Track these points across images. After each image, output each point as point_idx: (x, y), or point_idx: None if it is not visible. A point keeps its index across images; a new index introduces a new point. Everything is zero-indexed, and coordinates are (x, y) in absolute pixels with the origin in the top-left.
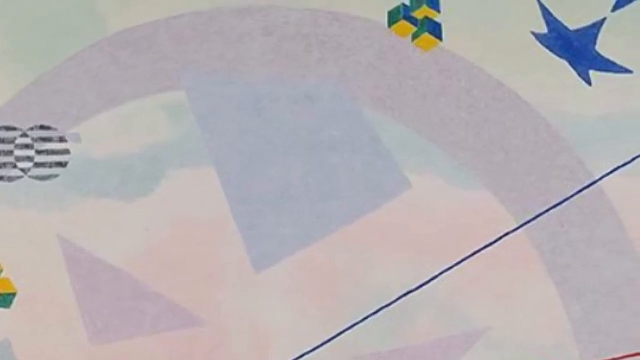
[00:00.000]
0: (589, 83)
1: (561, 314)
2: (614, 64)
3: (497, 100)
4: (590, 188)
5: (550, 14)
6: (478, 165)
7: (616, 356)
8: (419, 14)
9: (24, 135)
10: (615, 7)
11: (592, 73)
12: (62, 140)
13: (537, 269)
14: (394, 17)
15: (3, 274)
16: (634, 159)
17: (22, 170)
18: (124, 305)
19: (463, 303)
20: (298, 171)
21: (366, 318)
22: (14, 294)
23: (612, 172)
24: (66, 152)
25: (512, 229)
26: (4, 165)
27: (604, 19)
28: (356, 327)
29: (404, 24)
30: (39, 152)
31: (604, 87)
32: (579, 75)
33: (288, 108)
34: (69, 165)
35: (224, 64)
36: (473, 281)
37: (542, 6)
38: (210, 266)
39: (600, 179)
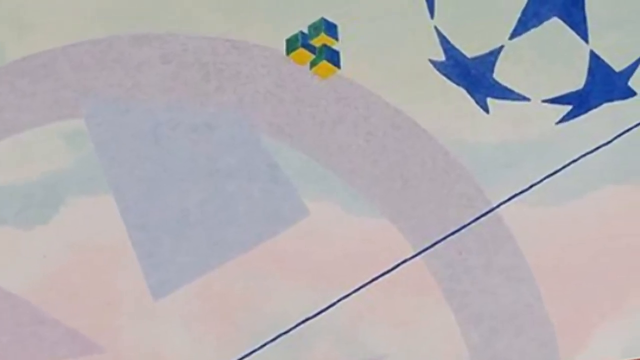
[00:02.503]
0: (487, 111)
1: (459, 341)
2: (511, 91)
3: (395, 128)
4: (488, 215)
5: (448, 42)
6: (376, 192)
7: None
8: (317, 42)
9: None
10: (513, 35)
11: (489, 101)
12: None
13: (435, 296)
14: (292, 45)
15: None
16: (531, 186)
17: None
18: (22, 332)
19: (361, 330)
20: (196, 198)
21: (264, 345)
22: None
23: (509, 199)
24: None
25: (409, 256)
26: None
27: (502, 47)
28: (254, 354)
29: (302, 51)
30: None
31: (501, 115)
32: (477, 102)
33: (186, 135)
34: None
35: (123, 92)
36: (371, 308)
37: (439, 34)
38: (109, 293)
39: (498, 206)
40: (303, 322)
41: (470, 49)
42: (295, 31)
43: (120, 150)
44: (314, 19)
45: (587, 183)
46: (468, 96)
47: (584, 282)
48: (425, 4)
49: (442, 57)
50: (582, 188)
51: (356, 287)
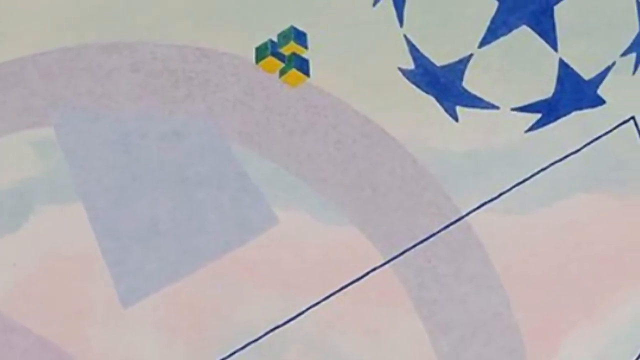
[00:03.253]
0: (456, 119)
1: (428, 349)
2: (480, 99)
3: (364, 136)
4: (457, 223)
5: (417, 50)
6: (345, 201)
7: None
8: (286, 50)
9: None
10: (482, 43)
11: (458, 109)
12: None
13: (404, 304)
14: (261, 53)
15: None
16: (500, 195)
17: None
18: None
19: (331, 338)
20: (165, 207)
21: (233, 353)
22: None
23: (478, 207)
24: None
25: (379, 264)
26: None
27: (471, 55)
28: None
29: (271, 60)
30: None
31: (470, 123)
32: (446, 111)
33: (155, 144)
34: None
35: (92, 100)
36: (341, 316)
37: (408, 42)
38: (79, 301)
39: (467, 214)
40: (272, 330)
41: (440, 57)
42: (265, 39)
43: (89, 158)
44: (284, 27)
45: (556, 191)
46: (437, 104)
47: (553, 290)
48: (394, 13)
49: (411, 66)
50: (552, 196)
51: (326, 295)
